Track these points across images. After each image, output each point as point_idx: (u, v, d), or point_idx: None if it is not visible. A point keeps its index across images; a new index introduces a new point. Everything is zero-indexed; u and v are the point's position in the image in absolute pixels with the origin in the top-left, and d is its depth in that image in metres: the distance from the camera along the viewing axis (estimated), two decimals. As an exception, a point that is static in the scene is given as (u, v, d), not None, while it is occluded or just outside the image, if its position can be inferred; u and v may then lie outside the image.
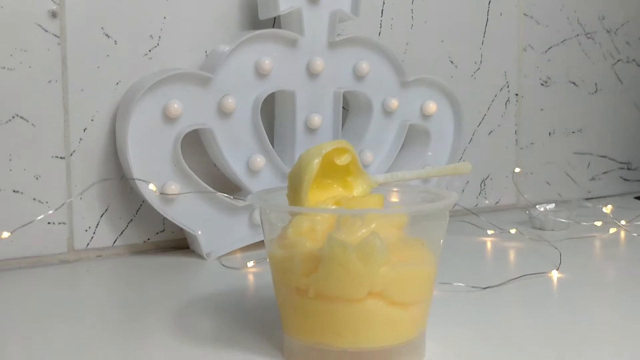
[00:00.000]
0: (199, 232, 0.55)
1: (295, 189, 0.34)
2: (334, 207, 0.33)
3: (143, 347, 0.36)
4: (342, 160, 0.35)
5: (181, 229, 0.57)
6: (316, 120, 0.59)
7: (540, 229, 0.66)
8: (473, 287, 0.45)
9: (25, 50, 0.53)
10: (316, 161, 0.33)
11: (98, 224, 0.56)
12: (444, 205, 0.32)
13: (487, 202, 0.78)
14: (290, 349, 0.33)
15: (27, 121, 0.53)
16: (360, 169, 0.36)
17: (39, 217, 0.51)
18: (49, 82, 0.54)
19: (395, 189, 0.39)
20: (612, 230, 0.61)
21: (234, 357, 0.34)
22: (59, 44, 0.54)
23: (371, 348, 0.31)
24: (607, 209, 0.67)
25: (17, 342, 0.38)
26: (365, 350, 0.31)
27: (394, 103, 0.62)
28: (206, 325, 0.39)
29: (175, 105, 0.53)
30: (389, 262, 0.30)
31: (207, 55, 0.59)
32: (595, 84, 0.87)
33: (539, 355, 0.34)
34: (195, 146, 0.58)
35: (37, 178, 0.54)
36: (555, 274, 0.49)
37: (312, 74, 0.59)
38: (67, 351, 0.36)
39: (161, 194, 0.53)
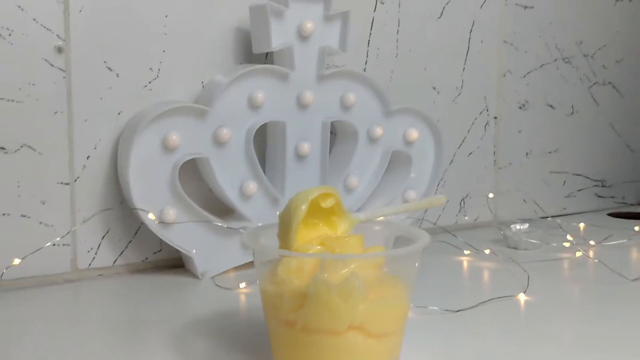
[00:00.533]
0: (194, 252, 0.59)
1: (285, 230, 0.38)
2: (319, 247, 0.37)
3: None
4: (327, 203, 0.39)
5: (177, 249, 0.61)
6: (305, 148, 0.63)
7: (514, 248, 0.71)
8: (446, 310, 0.50)
9: (33, 84, 0.56)
10: (303, 207, 0.37)
11: (99, 245, 0.60)
12: (415, 248, 0.36)
13: (466, 218, 0.82)
14: (279, 373, 0.38)
15: (35, 150, 0.57)
16: (342, 209, 0.40)
17: (47, 244, 0.55)
18: (55, 113, 0.57)
19: (377, 226, 0.43)
20: (579, 253, 0.65)
21: (229, 379, 0.38)
22: (64, 77, 0.58)
23: (350, 374, 0.35)
24: (580, 227, 0.71)
25: (24, 358, 0.41)
26: (345, 376, 0.35)
27: (378, 131, 0.66)
28: (201, 346, 0.43)
29: (174, 137, 0.57)
30: (367, 299, 0.34)
31: (203, 86, 0.63)
32: (572, 106, 0.92)
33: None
34: (192, 172, 0.61)
35: (43, 203, 0.57)
36: (522, 297, 0.53)
37: (302, 105, 0.63)
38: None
39: (160, 222, 0.57)
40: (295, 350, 0.36)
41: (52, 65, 0.57)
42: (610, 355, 0.42)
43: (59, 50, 0.57)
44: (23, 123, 0.56)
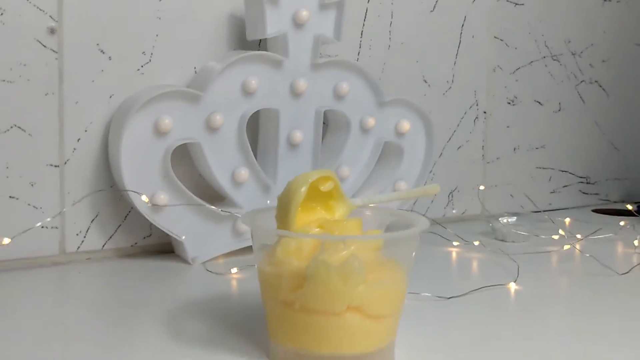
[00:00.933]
0: (184, 237, 0.59)
1: (284, 212, 0.38)
2: (317, 229, 0.37)
3: (131, 347, 0.40)
4: (326, 187, 0.39)
5: (167, 235, 0.60)
6: (298, 136, 0.63)
7: (502, 240, 0.71)
8: (439, 297, 0.50)
9: (24, 65, 0.55)
10: (303, 189, 0.37)
11: (89, 229, 0.60)
12: (415, 231, 0.36)
13: (454, 212, 0.83)
14: (275, 353, 0.37)
15: (25, 131, 0.56)
16: (341, 193, 0.40)
17: (36, 225, 0.54)
18: (46, 94, 0.57)
19: (371, 212, 0.43)
20: (567, 246, 0.66)
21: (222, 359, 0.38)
22: (56, 58, 0.57)
23: (347, 355, 0.35)
24: (566, 222, 0.72)
25: (11, 340, 0.40)
26: (342, 356, 0.35)
27: (370, 122, 0.66)
28: (194, 329, 0.43)
29: (166, 121, 0.57)
30: (365, 280, 0.34)
31: (196, 71, 0.63)
32: (559, 103, 0.93)
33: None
34: (184, 157, 0.61)
35: (32, 185, 0.57)
36: (513, 286, 0.54)
37: (295, 94, 0.63)
38: (58, 349, 0.39)
39: (153, 205, 0.56)
40: (294, 330, 0.36)
41: (45, 47, 0.56)
42: (597, 346, 0.42)
43: (52, 31, 0.56)
44: (13, 103, 0.55)
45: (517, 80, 0.87)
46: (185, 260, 0.59)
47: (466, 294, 0.51)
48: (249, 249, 0.61)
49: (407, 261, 0.38)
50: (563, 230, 0.71)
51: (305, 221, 0.39)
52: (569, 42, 0.92)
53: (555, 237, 0.70)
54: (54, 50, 0.57)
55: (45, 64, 0.56)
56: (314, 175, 0.38)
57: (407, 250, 0.38)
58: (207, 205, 0.59)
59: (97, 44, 0.58)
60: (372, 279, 0.35)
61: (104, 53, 0.59)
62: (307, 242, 0.36)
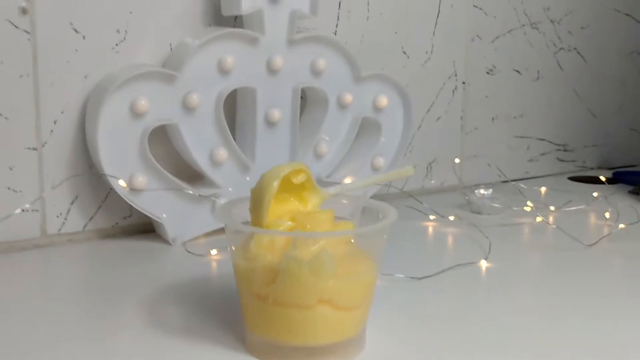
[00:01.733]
0: (164, 216, 0.59)
1: (257, 205, 0.38)
2: (290, 223, 0.38)
3: (111, 331, 0.41)
4: (298, 179, 0.40)
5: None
6: (276, 114, 0.63)
7: (477, 212, 0.73)
8: (411, 277, 0.52)
9: (-4, 47, 0.55)
10: (275, 183, 0.38)
11: (69, 211, 0.60)
12: (385, 224, 0.37)
13: (432, 183, 0.84)
14: (251, 342, 0.39)
15: (1, 115, 0.56)
16: (313, 185, 0.41)
17: (16, 210, 0.55)
18: (20, 76, 0.56)
19: (345, 199, 0.44)
20: (539, 219, 0.68)
21: (200, 347, 0.39)
22: (29, 39, 0.56)
23: (319, 345, 0.37)
24: (542, 191, 0.74)
25: None
26: (314, 346, 0.37)
27: (348, 98, 0.67)
28: (173, 313, 0.45)
29: (143, 102, 0.57)
30: (336, 274, 0.36)
31: (171, 48, 0.62)
32: (538, 72, 0.93)
33: (468, 339, 0.41)
34: (161, 137, 0.61)
35: (11, 169, 0.57)
36: (484, 264, 0.56)
37: (272, 71, 0.63)
38: (40, 332, 0.40)
39: (131, 189, 0.57)
40: (267, 322, 0.37)
41: (17, 27, 0.55)
42: (565, 321, 0.44)
43: (23, 11, 0.56)
44: (-13, 87, 0.55)
45: (495, 50, 0.87)
46: (166, 241, 0.60)
47: (438, 273, 0.53)
48: (228, 228, 0.62)
49: (377, 251, 0.39)
50: (536, 201, 0.73)
51: (279, 213, 0.39)
52: (548, 9, 0.92)
53: (528, 208, 0.72)
54: (26, 31, 0.56)
55: (18, 44, 0.56)
56: (286, 169, 0.39)
57: (377, 242, 0.39)
58: (186, 189, 0.59)
59: (71, 23, 0.58)
60: (342, 272, 0.36)
61: (77, 32, 0.58)
62: (280, 237, 0.37)
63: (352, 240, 0.38)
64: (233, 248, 0.38)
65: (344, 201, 0.44)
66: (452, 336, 0.42)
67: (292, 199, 0.41)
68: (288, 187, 0.40)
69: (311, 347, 0.37)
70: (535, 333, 0.42)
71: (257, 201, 0.38)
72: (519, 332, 0.42)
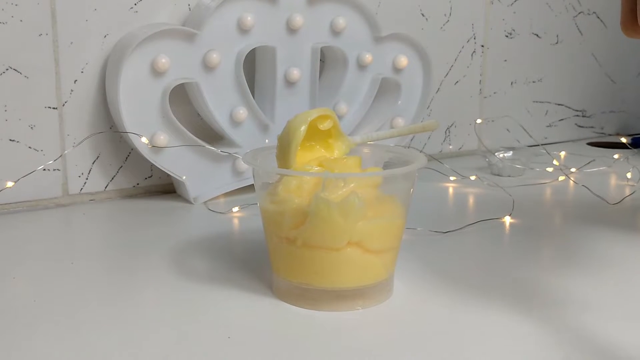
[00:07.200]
0: (184, 178, 0.59)
1: (284, 151, 0.38)
2: (317, 167, 0.38)
3: (139, 283, 0.41)
4: (325, 125, 0.39)
5: (168, 175, 0.61)
6: (295, 74, 0.62)
7: (497, 175, 0.72)
8: (435, 231, 0.51)
9: (16, 5, 0.55)
10: (302, 128, 0.38)
11: (90, 171, 0.60)
12: (413, 168, 0.37)
13: (451, 147, 0.84)
14: (279, 286, 0.39)
15: (20, 73, 0.56)
16: (340, 132, 0.41)
17: (38, 168, 0.55)
18: (40, 35, 0.56)
19: (370, 149, 0.43)
20: (562, 177, 0.67)
21: (229, 293, 0.39)
22: (48, -2, 0.56)
23: (347, 288, 0.37)
24: (561, 156, 0.73)
25: (20, 281, 0.42)
26: (342, 289, 0.37)
27: (368, 58, 0.66)
28: (199, 264, 0.45)
29: (163, 60, 0.56)
30: (365, 216, 0.35)
31: (190, 9, 0.62)
32: (557, 36, 0.92)
33: (492, 291, 0.40)
34: (181, 96, 0.61)
35: (31, 127, 0.57)
36: (508, 220, 0.55)
37: (291, 30, 0.62)
38: (67, 288, 0.40)
39: (153, 146, 0.57)
40: (296, 265, 0.37)
41: (35, -15, 0.55)
42: (590, 274, 0.44)
43: (42, -31, 0.55)
44: (7, 45, 0.55)
45: (514, 13, 0.86)
46: (187, 200, 0.60)
47: (462, 227, 0.52)
48: (249, 188, 0.62)
49: (405, 197, 0.39)
50: (558, 162, 0.72)
51: (305, 160, 0.39)
52: (569, -28, 0.90)
53: (550, 169, 0.71)
54: (45, -10, 0.56)
55: (37, 3, 0.56)
56: (313, 114, 0.38)
57: (405, 187, 0.38)
58: (207, 146, 0.59)
59: (89, -18, 0.57)
60: (371, 215, 0.36)
61: (96, -9, 0.58)
62: (308, 180, 0.37)
63: (381, 185, 0.38)
64: (260, 192, 0.38)
65: (370, 150, 0.43)
66: (477, 288, 0.41)
67: (318, 147, 0.41)
68: (314, 134, 0.40)
69: (339, 290, 0.37)
70: (557, 287, 0.42)
71: (284, 147, 0.38)
72: (543, 286, 0.42)
